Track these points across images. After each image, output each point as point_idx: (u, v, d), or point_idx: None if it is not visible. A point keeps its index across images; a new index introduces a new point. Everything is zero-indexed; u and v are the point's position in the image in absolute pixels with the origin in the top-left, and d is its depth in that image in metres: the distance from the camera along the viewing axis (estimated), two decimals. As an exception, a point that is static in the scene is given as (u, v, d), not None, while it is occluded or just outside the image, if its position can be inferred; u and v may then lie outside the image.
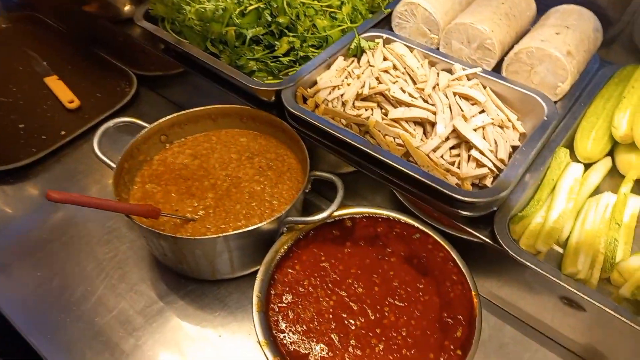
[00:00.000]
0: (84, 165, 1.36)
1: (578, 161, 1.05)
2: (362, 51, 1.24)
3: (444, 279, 0.95)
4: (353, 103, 1.15)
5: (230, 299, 1.08)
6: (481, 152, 1.02)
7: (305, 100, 1.16)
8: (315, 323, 0.90)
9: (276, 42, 1.24)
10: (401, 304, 0.92)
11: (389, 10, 1.32)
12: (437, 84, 1.15)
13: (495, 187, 0.94)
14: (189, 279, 1.10)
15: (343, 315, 0.91)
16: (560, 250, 0.91)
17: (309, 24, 1.26)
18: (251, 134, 1.24)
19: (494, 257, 1.02)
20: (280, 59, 1.23)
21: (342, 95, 1.15)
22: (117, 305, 1.06)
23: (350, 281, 0.96)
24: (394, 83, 1.16)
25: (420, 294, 0.93)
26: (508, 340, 1.01)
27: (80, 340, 1.01)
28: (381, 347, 0.86)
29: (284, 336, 0.88)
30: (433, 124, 1.09)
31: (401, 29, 1.29)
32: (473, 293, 0.92)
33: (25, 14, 1.84)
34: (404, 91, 1.14)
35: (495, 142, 1.05)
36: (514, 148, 1.06)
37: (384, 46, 1.25)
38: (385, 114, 1.12)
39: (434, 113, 1.10)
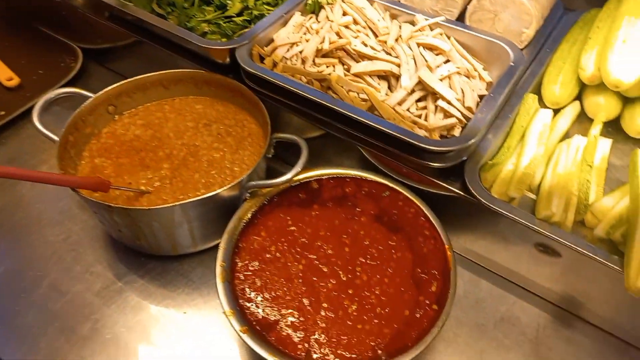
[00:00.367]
0: (29, 146, 1.26)
1: (547, 107, 1.02)
2: (320, 6, 1.17)
3: (416, 235, 0.91)
4: (313, 60, 1.08)
5: (194, 274, 1.01)
6: (448, 102, 0.98)
7: (262, 59, 1.10)
8: (285, 289, 0.85)
9: (228, 1, 1.16)
10: (373, 263, 0.88)
11: (346, -37, 1.25)
12: (400, 36, 1.10)
13: (464, 135, 0.91)
14: (149, 257, 1.03)
15: (313, 278, 0.86)
16: (533, 196, 0.88)
17: (262, -21, 1.18)
18: (207, 100, 1.17)
19: (466, 210, 0.99)
20: (234, 19, 1.15)
21: (301, 52, 1.08)
22: (72, 288, 0.99)
23: (319, 244, 0.91)
24: (355, 38, 1.10)
25: (393, 251, 0.89)
26: (484, 294, 0.98)
27: (33, 328, 0.93)
28: (354, 307, 0.82)
29: (252, 305, 0.83)
30: (397, 77, 1.04)
31: (360, -17, 1.23)
32: (446, 246, 0.88)
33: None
34: (366, 45, 1.09)
35: (462, 91, 1.01)
36: (482, 98, 1.02)
37: (342, 1, 1.19)
38: (348, 70, 1.07)
39: (398, 65, 1.05)
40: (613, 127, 1.01)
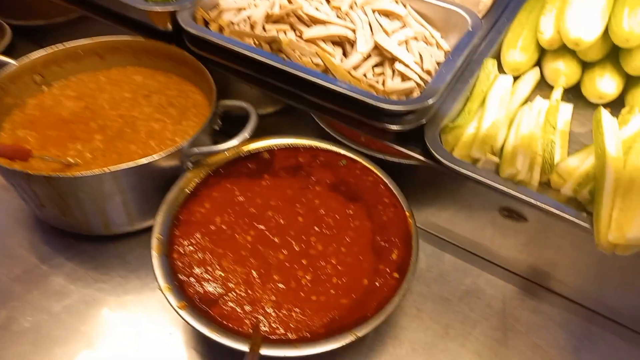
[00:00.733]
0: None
1: (506, 74, 0.99)
2: (270, -27, 1.10)
3: (375, 203, 0.84)
4: (262, 26, 1.01)
5: (131, 256, 0.91)
6: (406, 65, 0.92)
7: (207, 25, 1.01)
8: (231, 261, 0.76)
9: (171, -34, 1.07)
10: (329, 232, 0.80)
11: None
12: (355, 2, 1.04)
13: (423, 95, 0.85)
14: (80, 238, 0.92)
15: (263, 250, 0.77)
16: (496, 159, 0.83)
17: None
18: (147, 71, 1.07)
19: (428, 180, 0.94)
20: (178, -16, 1.07)
21: (249, 17, 1.01)
22: (-14, 275, 0.86)
23: (270, 214, 0.82)
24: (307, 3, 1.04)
25: (350, 220, 0.82)
26: (448, 268, 0.92)
27: (-64, 320, 0.80)
28: (308, 278, 0.74)
29: (192, 279, 0.73)
30: (353, 43, 0.98)
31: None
32: (407, 214, 0.82)
33: None
34: (319, 10, 1.02)
35: (420, 56, 0.96)
36: (439, 65, 0.97)
37: (294, -32, 1.12)
38: (300, 36, 1.00)
39: (354, 31, 0.99)
40: (573, 94, 0.99)
